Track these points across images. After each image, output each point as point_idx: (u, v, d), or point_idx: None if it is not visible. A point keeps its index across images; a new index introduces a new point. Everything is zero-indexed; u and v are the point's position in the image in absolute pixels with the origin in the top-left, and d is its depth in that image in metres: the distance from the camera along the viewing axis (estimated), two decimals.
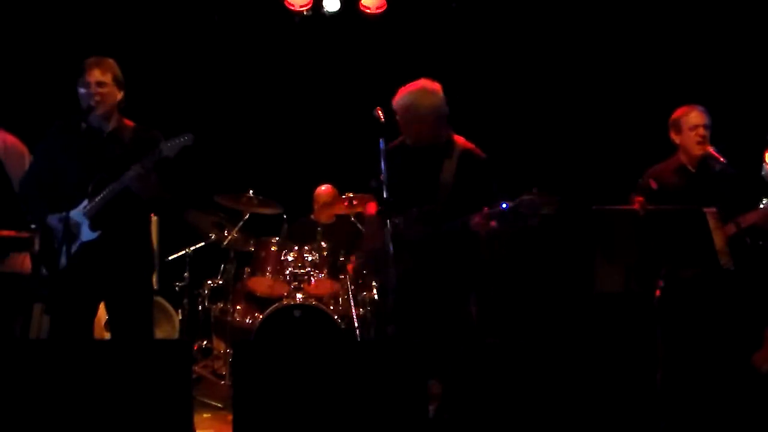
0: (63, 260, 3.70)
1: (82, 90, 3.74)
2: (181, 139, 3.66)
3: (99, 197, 3.69)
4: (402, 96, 3.99)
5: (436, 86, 4.00)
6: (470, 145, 4.08)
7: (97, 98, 3.72)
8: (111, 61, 3.81)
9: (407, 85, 4.02)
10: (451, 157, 4.01)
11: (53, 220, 3.75)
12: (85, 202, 3.71)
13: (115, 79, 3.79)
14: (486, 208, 3.82)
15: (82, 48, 6.29)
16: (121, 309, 3.85)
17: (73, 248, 3.73)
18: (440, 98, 3.99)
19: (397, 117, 4.00)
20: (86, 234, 3.73)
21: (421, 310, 3.99)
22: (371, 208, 4.32)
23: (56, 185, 3.79)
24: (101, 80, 3.73)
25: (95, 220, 3.71)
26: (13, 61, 6.20)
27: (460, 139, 4.09)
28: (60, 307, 3.78)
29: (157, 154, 3.63)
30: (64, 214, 3.65)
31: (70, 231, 3.68)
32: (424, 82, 4.01)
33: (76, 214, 3.72)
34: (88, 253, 3.74)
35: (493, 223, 3.83)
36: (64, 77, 6.26)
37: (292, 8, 6.51)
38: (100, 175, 3.69)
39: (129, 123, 3.88)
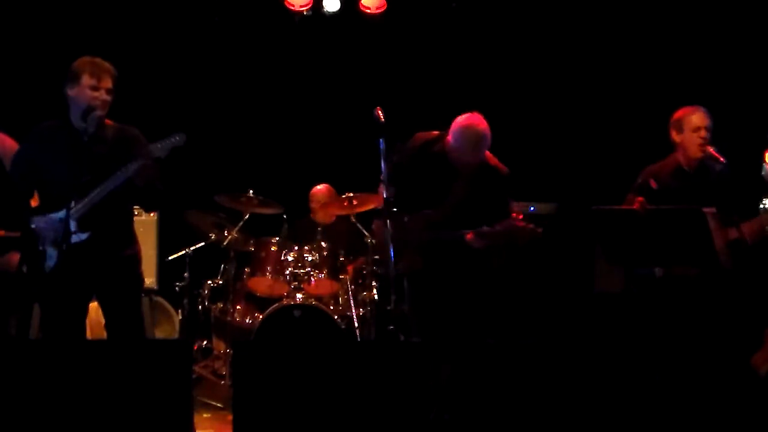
0: (51, 262, 3.70)
1: (90, 92, 3.73)
2: (173, 140, 3.66)
3: (87, 198, 3.68)
4: (456, 129, 4.05)
5: (480, 130, 4.05)
6: (492, 161, 4.19)
7: (104, 105, 3.75)
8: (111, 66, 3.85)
9: (464, 120, 4.06)
10: (471, 174, 4.11)
11: (39, 222, 3.74)
12: (72, 203, 3.69)
13: (115, 85, 3.83)
14: (485, 228, 3.97)
15: (80, 48, 6.32)
16: (113, 305, 3.86)
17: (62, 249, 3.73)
18: (481, 143, 4.06)
19: (451, 141, 4.07)
20: (75, 235, 3.72)
21: (431, 311, 4.10)
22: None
23: (41, 187, 3.80)
24: (111, 88, 3.78)
25: (83, 221, 3.71)
26: (9, 61, 6.20)
27: (488, 154, 4.18)
28: (51, 308, 3.79)
29: (147, 156, 3.63)
30: (57, 214, 3.66)
31: (59, 232, 3.68)
32: (474, 126, 4.04)
33: (63, 215, 3.69)
34: (77, 253, 3.72)
35: (483, 243, 3.99)
36: (62, 80, 6.29)
37: (292, 8, 6.51)
38: (86, 176, 3.67)
39: (109, 122, 3.89)
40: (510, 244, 4.00)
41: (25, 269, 3.87)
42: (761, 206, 4.30)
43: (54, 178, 3.76)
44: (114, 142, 3.81)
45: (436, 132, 4.22)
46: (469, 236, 4.00)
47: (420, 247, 4.11)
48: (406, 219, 4.10)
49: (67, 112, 3.80)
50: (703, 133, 4.27)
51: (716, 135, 4.36)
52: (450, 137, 4.10)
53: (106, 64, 3.80)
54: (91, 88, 3.73)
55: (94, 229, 3.73)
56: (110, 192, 3.67)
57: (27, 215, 3.78)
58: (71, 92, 3.77)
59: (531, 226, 3.92)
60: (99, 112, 3.73)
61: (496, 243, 4.00)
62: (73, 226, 3.70)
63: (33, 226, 3.75)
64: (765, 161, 4.37)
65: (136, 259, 3.98)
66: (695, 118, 4.30)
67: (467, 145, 4.04)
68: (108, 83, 3.76)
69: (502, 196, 4.15)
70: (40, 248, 3.73)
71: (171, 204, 4.62)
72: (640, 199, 3.96)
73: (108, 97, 3.76)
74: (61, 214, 3.65)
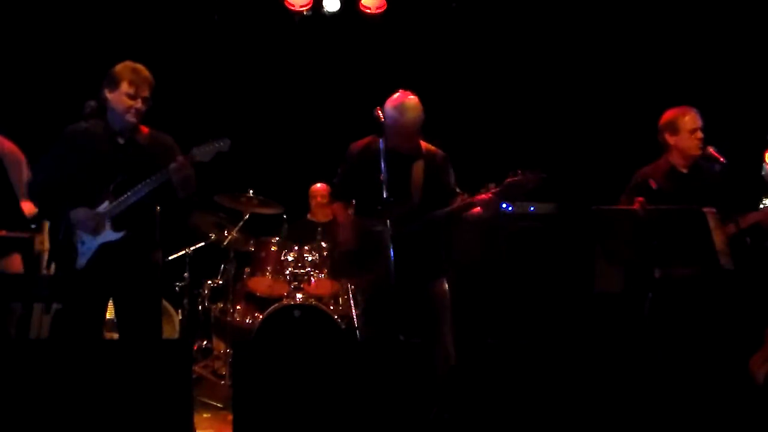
0: (82, 260, 3.73)
1: (126, 100, 3.76)
2: (216, 144, 3.73)
3: (123, 198, 3.72)
4: (394, 108, 4.15)
5: (417, 99, 4.20)
6: (432, 147, 4.34)
7: (138, 114, 3.79)
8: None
9: (398, 98, 4.18)
10: (418, 159, 4.26)
11: (76, 213, 3.74)
12: (106, 203, 3.74)
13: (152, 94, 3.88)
14: (476, 197, 4.10)
15: (80, 49, 6.31)
16: (133, 308, 3.87)
17: (93, 247, 3.75)
18: (422, 111, 4.21)
19: (384, 123, 4.11)
20: (109, 234, 3.75)
21: (402, 298, 4.10)
22: (341, 211, 4.40)
23: (74, 185, 3.80)
24: (147, 97, 3.81)
25: (117, 220, 3.74)
26: (11, 64, 6.19)
27: (423, 142, 4.34)
28: (74, 305, 3.79)
29: (189, 159, 3.69)
30: (93, 210, 3.71)
31: (96, 222, 3.72)
32: (411, 97, 4.19)
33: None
34: (107, 252, 3.76)
35: (479, 210, 4.11)
36: (63, 80, 6.28)
37: (292, 8, 6.51)
38: (121, 176, 3.73)
39: (144, 128, 3.93)
40: (518, 193, 4.12)
41: (52, 267, 3.88)
42: (761, 206, 4.30)
43: (88, 178, 3.78)
44: (148, 147, 3.85)
45: (368, 137, 4.26)
46: (479, 204, 4.08)
47: (400, 238, 4.12)
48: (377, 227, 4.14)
49: (104, 114, 3.84)
50: (699, 134, 4.26)
51: (716, 135, 4.36)
52: (386, 120, 4.11)
53: (146, 73, 3.83)
54: (129, 96, 3.77)
55: (127, 229, 3.76)
56: (145, 194, 3.71)
57: (61, 213, 3.78)
58: (109, 95, 3.80)
59: (531, 174, 4.03)
60: (131, 121, 3.78)
61: (488, 211, 4.08)
62: (107, 225, 3.74)
63: (69, 218, 3.75)
64: (765, 161, 4.37)
65: (159, 266, 4.03)
66: (690, 119, 4.28)
67: (410, 116, 4.14)
68: (146, 92, 3.79)
69: (449, 177, 4.31)
70: (75, 240, 3.74)
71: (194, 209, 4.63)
72: (640, 199, 3.96)
73: (143, 107, 3.80)
74: (101, 209, 3.72)
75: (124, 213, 3.74)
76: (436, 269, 4.30)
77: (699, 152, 4.26)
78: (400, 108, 4.13)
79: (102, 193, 3.75)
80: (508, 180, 4.04)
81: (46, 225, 5.47)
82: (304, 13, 6.53)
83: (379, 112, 4.05)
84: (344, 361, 3.38)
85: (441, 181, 4.28)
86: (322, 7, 6.52)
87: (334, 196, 4.53)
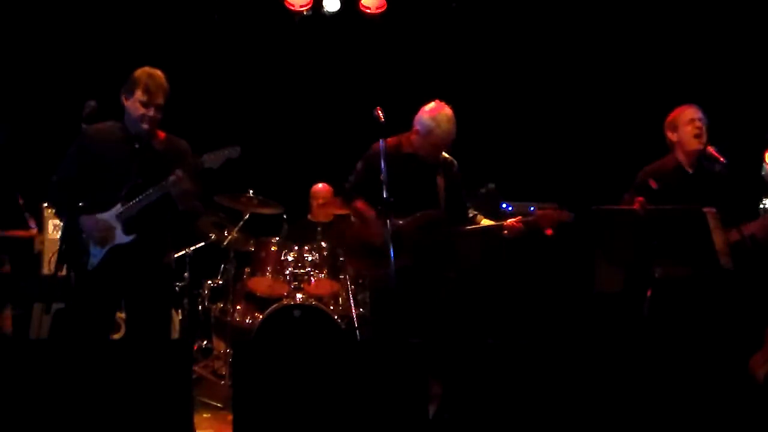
0: (94, 261, 3.74)
1: (140, 108, 3.78)
2: (226, 152, 3.74)
3: (134, 201, 3.73)
4: (431, 118, 4.19)
5: (452, 111, 4.24)
6: (446, 154, 4.38)
7: (152, 121, 3.80)
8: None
9: (435, 108, 4.22)
10: (440, 167, 4.32)
11: (87, 221, 3.76)
12: (119, 206, 3.75)
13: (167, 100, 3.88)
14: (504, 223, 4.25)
15: (80, 50, 6.31)
16: (144, 309, 3.88)
17: (105, 250, 3.76)
18: (455, 123, 4.23)
19: (418, 131, 4.20)
20: (120, 237, 3.76)
21: (416, 302, 4.17)
22: (366, 207, 4.36)
23: (89, 186, 3.81)
24: (161, 104, 3.82)
25: (129, 223, 3.75)
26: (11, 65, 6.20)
27: None
28: (84, 305, 3.80)
29: (199, 166, 3.70)
30: (103, 215, 3.72)
31: (105, 232, 3.73)
32: (447, 108, 4.22)
33: (110, 216, 3.76)
34: (119, 255, 3.77)
35: (506, 232, 4.24)
36: (63, 81, 6.27)
37: (292, 8, 6.52)
38: (135, 180, 3.74)
39: (161, 133, 3.94)
40: (546, 226, 4.24)
41: (65, 268, 3.89)
42: (761, 206, 4.29)
43: (102, 180, 3.79)
44: (163, 152, 3.87)
45: (391, 138, 4.25)
46: (507, 229, 4.19)
47: (417, 246, 4.13)
48: (401, 222, 4.15)
49: (122, 117, 3.86)
50: (698, 123, 4.26)
51: (716, 135, 4.35)
52: (419, 129, 4.19)
53: (161, 81, 3.83)
54: (142, 103, 3.78)
55: (139, 232, 3.77)
56: (152, 201, 3.73)
57: (74, 214, 3.78)
58: (126, 101, 3.82)
59: (564, 212, 4.17)
60: (146, 128, 3.80)
61: (533, 227, 4.21)
62: (119, 228, 3.76)
63: (80, 224, 3.76)
64: (765, 161, 4.37)
65: (171, 268, 4.04)
66: (688, 112, 4.31)
67: (446, 127, 4.17)
68: (160, 100, 3.80)
69: (462, 189, 4.41)
70: (83, 246, 3.76)
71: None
72: (640, 199, 3.96)
73: (157, 115, 3.81)
74: (108, 215, 3.73)
75: (135, 216, 3.76)
76: (443, 274, 4.32)
77: (699, 146, 4.25)
78: (438, 119, 4.17)
79: (115, 195, 3.76)
80: (540, 212, 4.11)
81: (48, 225, 5.50)
82: (304, 13, 6.54)
83: (379, 112, 4.05)
84: (344, 361, 3.38)
85: (458, 193, 4.37)
86: (322, 7, 6.52)
87: (354, 192, 4.43)
